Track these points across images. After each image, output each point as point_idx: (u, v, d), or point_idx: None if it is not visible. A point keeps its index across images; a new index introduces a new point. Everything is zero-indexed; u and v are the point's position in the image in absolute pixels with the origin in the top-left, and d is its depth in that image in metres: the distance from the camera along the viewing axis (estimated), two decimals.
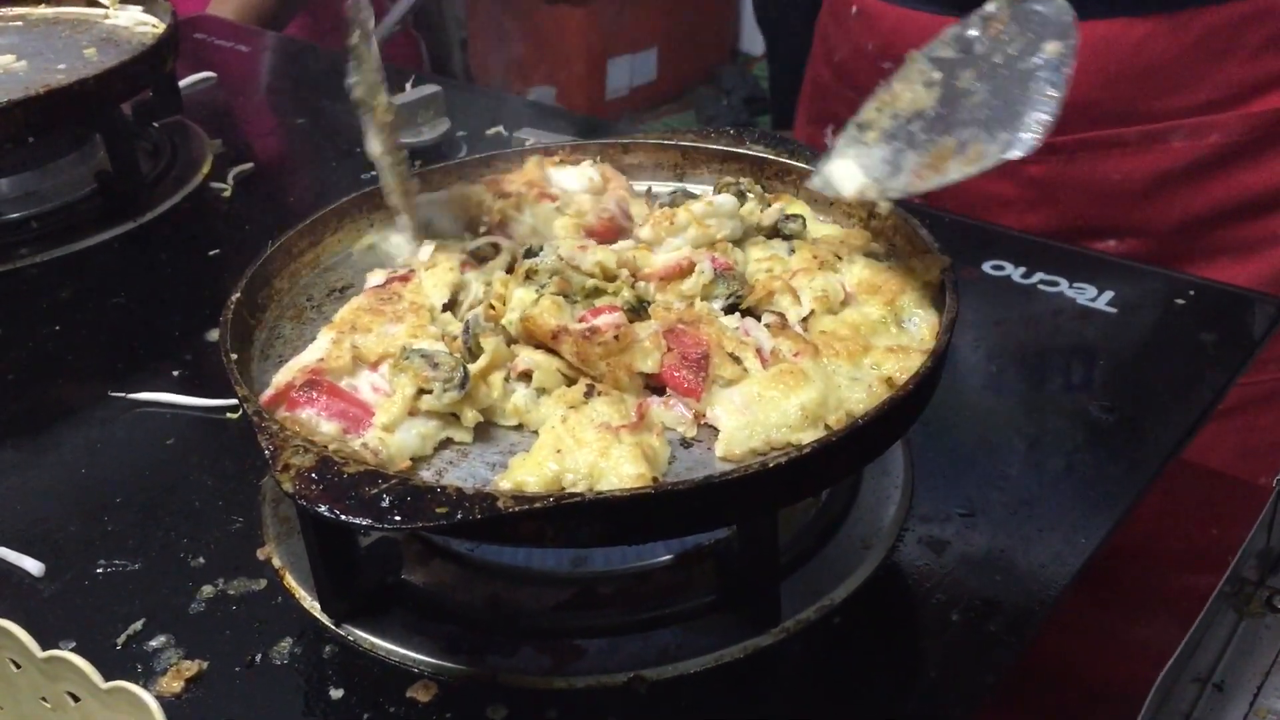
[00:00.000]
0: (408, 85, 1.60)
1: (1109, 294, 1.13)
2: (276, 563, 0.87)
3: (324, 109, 1.65)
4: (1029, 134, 0.73)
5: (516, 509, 0.65)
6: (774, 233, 0.92)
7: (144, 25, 1.48)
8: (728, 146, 1.04)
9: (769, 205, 0.93)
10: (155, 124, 1.52)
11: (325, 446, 0.72)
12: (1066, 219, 1.31)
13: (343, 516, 0.65)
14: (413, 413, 0.77)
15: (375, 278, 0.92)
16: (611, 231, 0.93)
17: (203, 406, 1.03)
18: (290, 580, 0.85)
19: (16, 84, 1.33)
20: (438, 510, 0.65)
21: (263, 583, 0.85)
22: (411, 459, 0.76)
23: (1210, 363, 1.04)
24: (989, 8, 0.79)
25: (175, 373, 1.08)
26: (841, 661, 0.79)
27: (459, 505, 0.65)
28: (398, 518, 0.65)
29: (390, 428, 0.76)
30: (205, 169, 1.46)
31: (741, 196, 0.93)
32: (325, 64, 1.81)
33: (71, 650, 0.75)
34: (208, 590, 0.85)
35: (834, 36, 1.48)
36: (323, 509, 0.66)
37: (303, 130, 1.59)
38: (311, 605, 0.83)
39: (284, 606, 0.83)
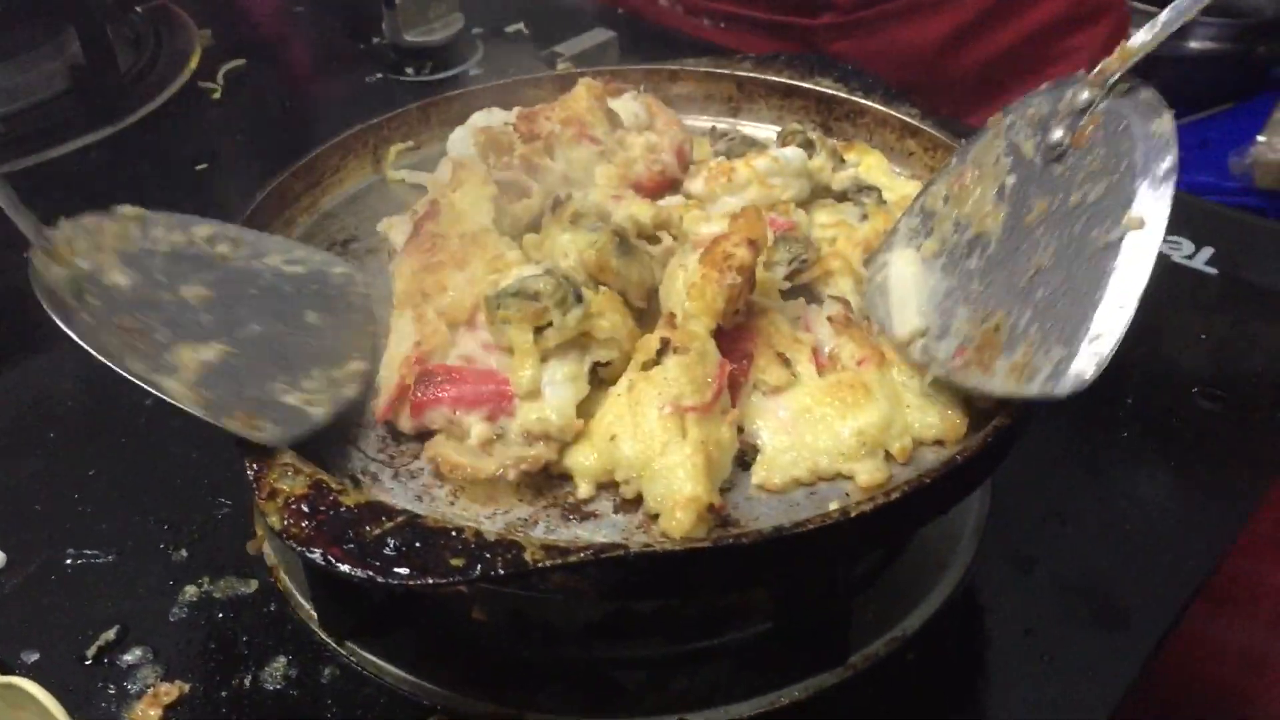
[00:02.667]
0: None
1: (1208, 250, 1.01)
2: (269, 559, 0.76)
3: None
4: (1078, 371, 0.58)
5: (548, 562, 0.54)
6: (844, 197, 0.78)
7: None
8: (791, 79, 0.90)
9: (841, 160, 0.80)
10: (137, 9, 1.37)
11: (315, 469, 0.60)
12: None
13: (340, 566, 0.54)
14: (545, 358, 0.65)
15: (396, 231, 0.79)
16: (662, 185, 0.80)
17: None
18: (285, 582, 0.75)
19: None
20: (453, 562, 0.54)
21: (253, 584, 0.75)
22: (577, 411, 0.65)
23: None
24: (1083, 95, 0.64)
25: None
26: (915, 707, 0.68)
27: (479, 557, 0.54)
28: (403, 571, 0.54)
29: (534, 391, 0.64)
30: (192, 64, 1.31)
31: (809, 147, 0.79)
32: None
33: (35, 661, 0.66)
34: (191, 592, 0.74)
35: None
36: (315, 554, 0.55)
37: (301, 20, 1.44)
38: (309, 616, 0.72)
39: (277, 616, 0.73)
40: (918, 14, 1.29)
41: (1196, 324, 0.94)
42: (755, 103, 0.92)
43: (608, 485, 0.64)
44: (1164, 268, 0.99)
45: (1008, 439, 0.62)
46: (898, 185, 0.83)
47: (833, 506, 0.59)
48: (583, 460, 0.63)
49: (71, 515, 0.80)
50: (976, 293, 0.66)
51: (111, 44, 1.24)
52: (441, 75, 1.29)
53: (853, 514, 0.56)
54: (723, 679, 0.68)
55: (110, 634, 0.72)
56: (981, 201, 0.69)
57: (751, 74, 0.91)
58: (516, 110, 0.85)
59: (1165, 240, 0.98)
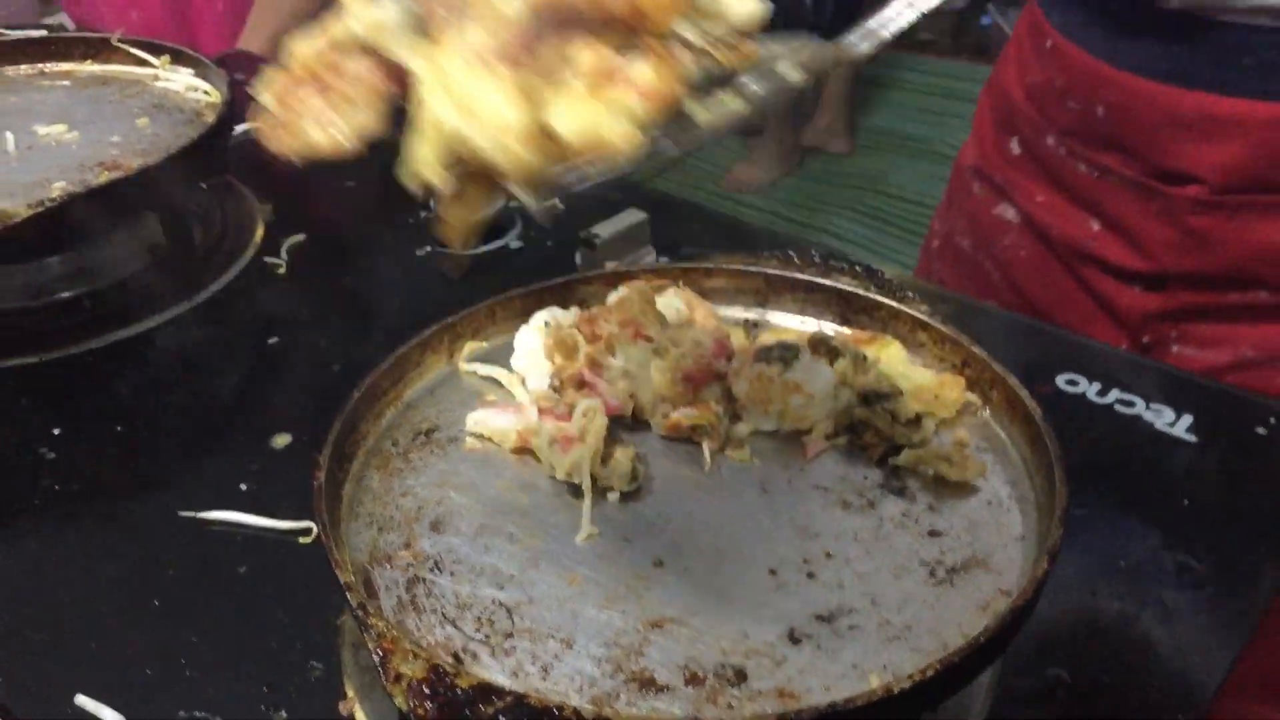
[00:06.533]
0: None
1: (1187, 418, 1.12)
2: (360, 719, 0.85)
3: (369, 166, 1.61)
4: None
5: None
6: (864, 400, 0.89)
7: (195, 91, 1.45)
8: (813, 277, 1.02)
9: (863, 359, 0.91)
10: (203, 185, 1.49)
11: (432, 652, 0.70)
12: (1221, 266, 1.36)
13: None
14: None
15: (486, 424, 0.91)
16: (707, 374, 0.92)
17: (274, 529, 1.01)
18: None
19: (70, 159, 1.31)
20: None
21: None
22: None
23: None
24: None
25: (243, 486, 1.06)
26: None
27: None
28: None
29: None
30: (257, 238, 1.43)
31: (834, 354, 0.91)
32: None
33: None
34: None
35: (1029, 58, 1.47)
36: None
37: (352, 193, 1.57)
38: None
39: None
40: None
41: (1180, 490, 1.04)
42: (781, 296, 1.03)
43: None
44: (1150, 436, 1.10)
45: (1021, 616, 0.72)
46: (914, 374, 0.94)
47: (874, 682, 0.69)
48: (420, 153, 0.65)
49: (180, 679, 0.89)
50: None
51: (189, 224, 1.36)
52: (484, 249, 1.41)
53: (895, 690, 0.66)
54: None
55: None
56: None
57: (779, 271, 1.03)
58: (576, 312, 0.97)
59: (1150, 408, 1.12)
